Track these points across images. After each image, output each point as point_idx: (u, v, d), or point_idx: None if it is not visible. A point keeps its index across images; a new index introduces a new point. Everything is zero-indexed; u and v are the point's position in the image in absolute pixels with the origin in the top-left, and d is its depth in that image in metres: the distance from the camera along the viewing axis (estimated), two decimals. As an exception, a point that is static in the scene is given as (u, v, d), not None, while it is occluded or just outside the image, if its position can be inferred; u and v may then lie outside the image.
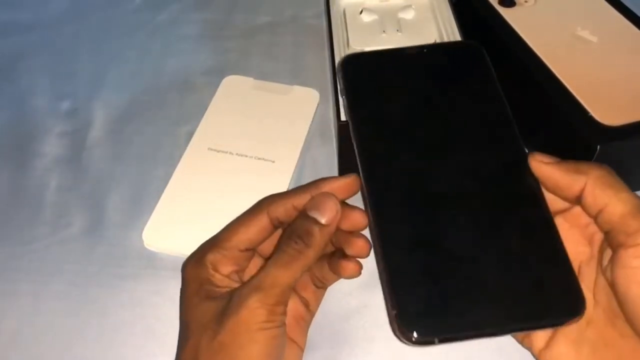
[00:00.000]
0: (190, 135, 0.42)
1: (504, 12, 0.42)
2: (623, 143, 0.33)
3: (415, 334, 0.24)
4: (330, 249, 0.31)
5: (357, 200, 0.30)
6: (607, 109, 0.34)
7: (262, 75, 0.46)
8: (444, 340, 0.24)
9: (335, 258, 0.30)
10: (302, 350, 0.30)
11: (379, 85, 0.31)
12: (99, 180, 0.41)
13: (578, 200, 0.26)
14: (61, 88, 0.48)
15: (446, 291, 0.25)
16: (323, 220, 0.28)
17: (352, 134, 0.30)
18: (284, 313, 0.26)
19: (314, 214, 0.28)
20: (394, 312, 0.25)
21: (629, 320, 0.24)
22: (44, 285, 0.35)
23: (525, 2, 0.43)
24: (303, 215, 0.28)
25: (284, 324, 0.26)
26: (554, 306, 0.25)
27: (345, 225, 0.30)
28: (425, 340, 0.24)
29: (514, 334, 0.28)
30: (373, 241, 0.29)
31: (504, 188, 0.27)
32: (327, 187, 0.29)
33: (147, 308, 0.34)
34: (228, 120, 0.43)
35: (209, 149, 0.41)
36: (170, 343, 0.33)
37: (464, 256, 0.26)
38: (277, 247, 0.28)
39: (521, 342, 0.28)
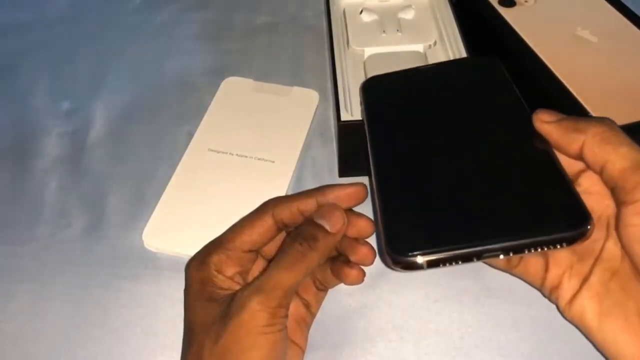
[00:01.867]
0: (190, 135, 0.42)
1: (504, 12, 0.42)
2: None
3: (402, 256, 0.23)
4: (333, 253, 0.31)
5: (363, 207, 0.30)
6: (607, 109, 0.34)
7: (262, 75, 0.46)
8: (432, 263, 0.23)
9: (339, 263, 0.30)
10: (303, 351, 0.30)
11: (399, 107, 0.32)
12: (99, 180, 0.41)
13: (582, 158, 0.25)
14: (61, 88, 0.48)
15: (434, 213, 0.25)
16: (329, 228, 0.28)
17: (370, 156, 0.30)
18: (286, 316, 0.26)
19: (321, 222, 0.28)
20: (384, 239, 0.24)
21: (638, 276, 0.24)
22: (44, 285, 0.35)
23: (525, 2, 0.43)
24: (309, 221, 0.28)
25: (285, 327, 0.26)
26: (551, 219, 0.23)
27: (351, 232, 0.30)
28: (412, 261, 0.23)
29: (515, 256, 0.24)
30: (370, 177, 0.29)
31: (516, 151, 0.27)
32: (333, 194, 0.29)
33: (147, 308, 0.34)
34: (228, 121, 0.43)
35: (209, 149, 0.41)
36: (170, 343, 0.33)
37: (456, 184, 0.26)
38: (280, 249, 0.28)
39: (548, 296, 0.28)
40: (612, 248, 0.26)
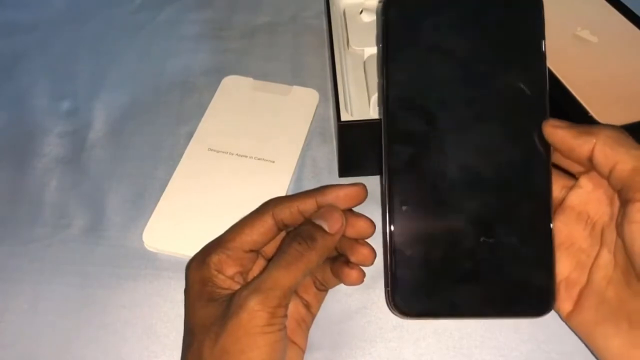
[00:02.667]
0: (190, 135, 0.42)
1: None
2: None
3: (400, 309, 0.28)
4: (333, 253, 0.31)
5: (363, 208, 0.30)
6: (607, 109, 0.34)
7: (262, 76, 0.46)
8: (421, 317, 0.29)
9: (339, 263, 0.30)
10: (303, 352, 0.30)
11: (421, 35, 0.29)
12: (99, 181, 0.41)
13: (590, 161, 0.26)
14: (61, 88, 0.48)
15: (433, 275, 0.28)
16: (327, 229, 0.28)
17: (383, 88, 0.29)
18: (285, 315, 0.26)
19: (320, 222, 0.28)
20: (388, 287, 0.28)
21: (637, 275, 0.24)
22: (44, 285, 0.36)
23: (525, 2, 0.43)
24: (308, 221, 0.28)
25: (284, 327, 0.26)
26: (524, 303, 0.28)
27: (351, 233, 0.30)
28: (409, 317, 0.28)
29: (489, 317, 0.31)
30: (382, 206, 0.31)
31: (517, 176, 0.28)
32: (333, 194, 0.29)
33: (148, 308, 0.34)
34: (227, 121, 0.43)
35: (209, 149, 0.41)
36: (170, 343, 0.33)
37: (459, 246, 0.28)
38: (279, 249, 0.28)
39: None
40: (606, 255, 0.27)
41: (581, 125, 0.27)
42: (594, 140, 0.25)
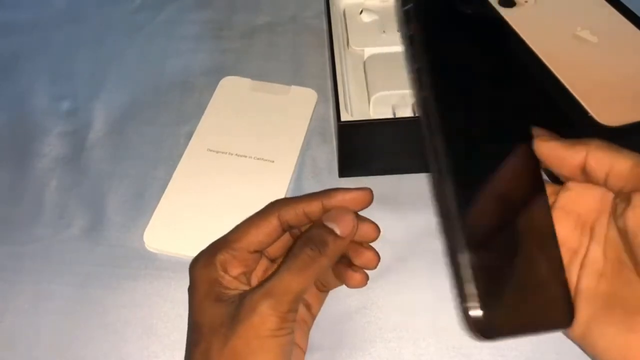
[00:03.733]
0: (190, 135, 0.42)
1: (504, 12, 0.42)
2: (623, 143, 0.33)
3: (485, 336, 0.25)
4: None
5: (366, 211, 0.30)
6: (607, 109, 0.34)
7: (261, 76, 0.46)
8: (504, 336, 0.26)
9: (342, 265, 0.30)
10: (304, 352, 0.30)
11: (447, 28, 0.28)
12: (99, 181, 0.41)
13: (583, 170, 0.26)
14: (61, 88, 0.48)
15: (505, 291, 0.26)
16: (339, 232, 0.28)
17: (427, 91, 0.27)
18: (294, 320, 0.26)
19: (331, 225, 0.28)
20: (464, 306, 0.25)
21: (638, 264, 0.24)
22: (44, 285, 0.36)
23: (525, 2, 0.43)
24: (319, 224, 0.28)
25: (293, 331, 0.26)
26: (552, 317, 0.26)
27: (356, 236, 0.30)
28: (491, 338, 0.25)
29: None
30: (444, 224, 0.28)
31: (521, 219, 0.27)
32: (339, 197, 0.29)
33: (148, 308, 0.34)
34: (226, 121, 0.43)
35: (209, 149, 0.41)
36: (170, 343, 0.33)
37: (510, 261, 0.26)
38: (290, 253, 0.27)
39: None
40: (596, 250, 0.26)
41: (567, 139, 0.27)
42: (586, 149, 0.25)
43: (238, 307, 0.26)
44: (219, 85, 0.46)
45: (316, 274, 0.27)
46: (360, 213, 0.31)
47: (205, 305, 0.27)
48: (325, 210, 0.29)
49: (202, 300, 0.28)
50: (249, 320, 0.25)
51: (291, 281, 0.26)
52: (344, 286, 0.31)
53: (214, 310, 0.27)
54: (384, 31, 0.42)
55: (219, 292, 0.27)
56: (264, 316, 0.25)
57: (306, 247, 0.27)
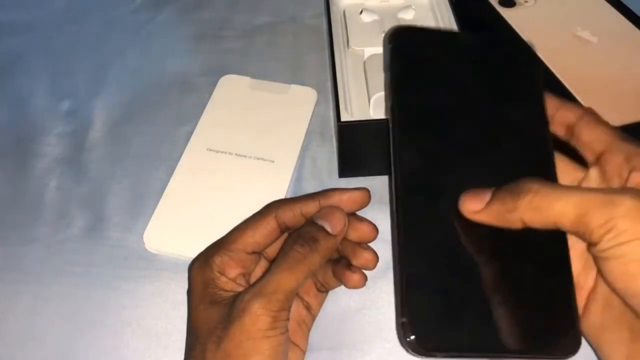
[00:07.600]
0: (190, 135, 0.42)
1: (504, 12, 0.42)
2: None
3: (414, 347, 0.24)
4: (335, 255, 0.31)
5: (364, 210, 0.30)
6: (607, 110, 0.34)
7: (261, 76, 0.46)
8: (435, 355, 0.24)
9: (341, 266, 0.30)
10: (303, 352, 0.30)
11: (428, 67, 0.29)
12: (99, 181, 0.41)
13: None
14: (61, 88, 0.48)
15: (453, 311, 0.25)
16: (330, 230, 0.28)
17: (391, 116, 0.28)
18: (287, 319, 0.26)
19: (322, 223, 0.28)
20: (402, 319, 0.24)
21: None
22: (44, 285, 0.36)
23: (525, 2, 0.43)
24: (310, 222, 0.28)
25: (287, 330, 0.26)
26: (549, 345, 0.25)
27: (353, 236, 0.30)
28: (421, 352, 0.24)
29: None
30: (393, 243, 0.28)
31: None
32: (336, 197, 0.29)
33: (148, 309, 0.34)
34: (226, 120, 0.43)
35: (208, 149, 0.41)
36: (171, 344, 0.33)
37: (474, 278, 0.25)
38: (281, 252, 0.27)
39: None
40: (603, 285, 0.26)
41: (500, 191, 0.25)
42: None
43: (231, 308, 0.26)
44: (218, 84, 0.45)
45: (307, 272, 0.26)
46: (359, 213, 0.31)
47: (201, 308, 0.27)
48: (321, 209, 0.29)
49: (198, 303, 0.27)
50: (240, 321, 0.25)
51: (282, 279, 0.26)
52: (343, 287, 0.31)
53: (210, 313, 0.27)
54: (384, 31, 0.42)
55: (214, 294, 0.27)
56: (255, 316, 0.25)
57: (296, 244, 0.27)
